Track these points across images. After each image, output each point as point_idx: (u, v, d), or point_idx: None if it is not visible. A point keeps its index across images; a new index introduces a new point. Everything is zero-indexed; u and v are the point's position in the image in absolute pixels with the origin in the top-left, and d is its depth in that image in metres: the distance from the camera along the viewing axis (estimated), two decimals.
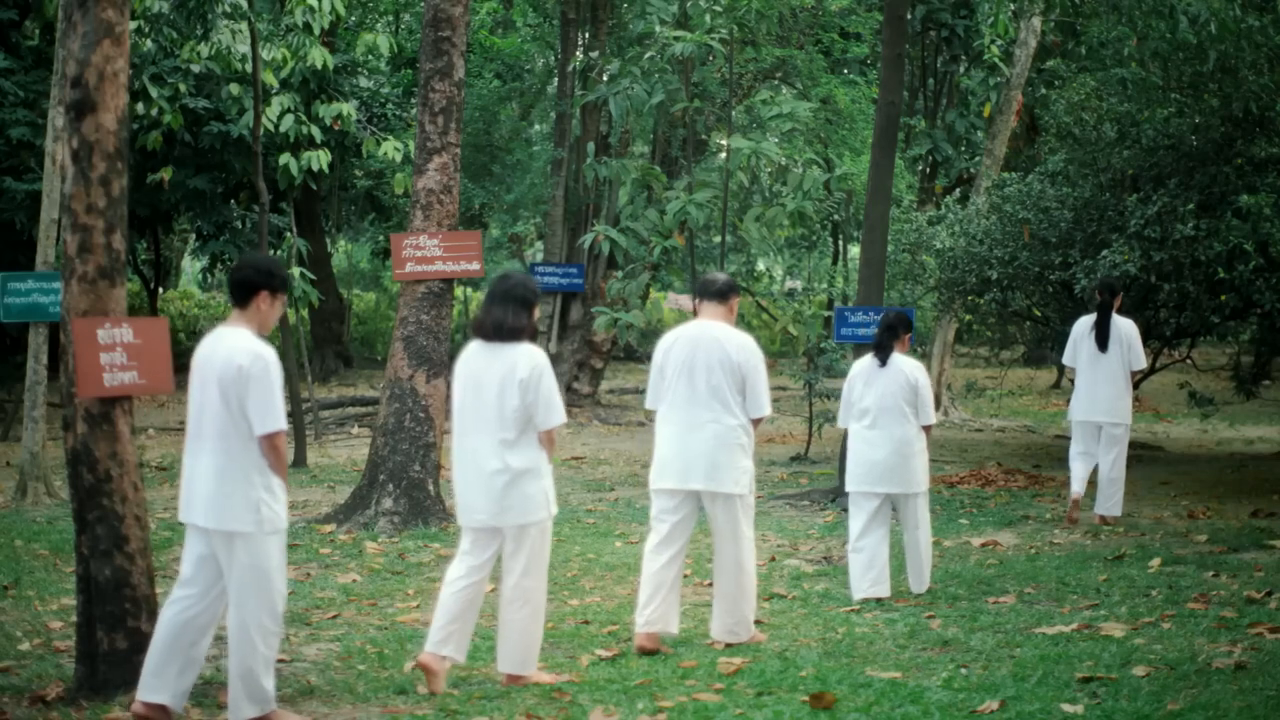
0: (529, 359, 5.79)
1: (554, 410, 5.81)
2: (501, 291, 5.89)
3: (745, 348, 6.56)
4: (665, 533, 6.57)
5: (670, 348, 6.63)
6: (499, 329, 5.83)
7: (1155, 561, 8.42)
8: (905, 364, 7.66)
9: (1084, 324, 10.25)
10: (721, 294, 6.70)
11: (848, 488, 7.85)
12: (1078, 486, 10.05)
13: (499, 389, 5.78)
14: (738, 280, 11.92)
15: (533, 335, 5.92)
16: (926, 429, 7.71)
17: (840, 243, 28.35)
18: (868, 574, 7.58)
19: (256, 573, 5.27)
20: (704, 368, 6.51)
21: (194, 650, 5.37)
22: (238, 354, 5.21)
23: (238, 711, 5.28)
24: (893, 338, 7.69)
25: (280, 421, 5.25)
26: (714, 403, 6.49)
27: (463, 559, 5.95)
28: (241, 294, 5.37)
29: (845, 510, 10.53)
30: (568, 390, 17.68)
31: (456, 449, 5.94)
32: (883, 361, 7.65)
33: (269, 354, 5.25)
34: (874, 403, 7.62)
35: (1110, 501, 10.00)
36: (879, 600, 7.54)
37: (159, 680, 5.28)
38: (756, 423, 6.64)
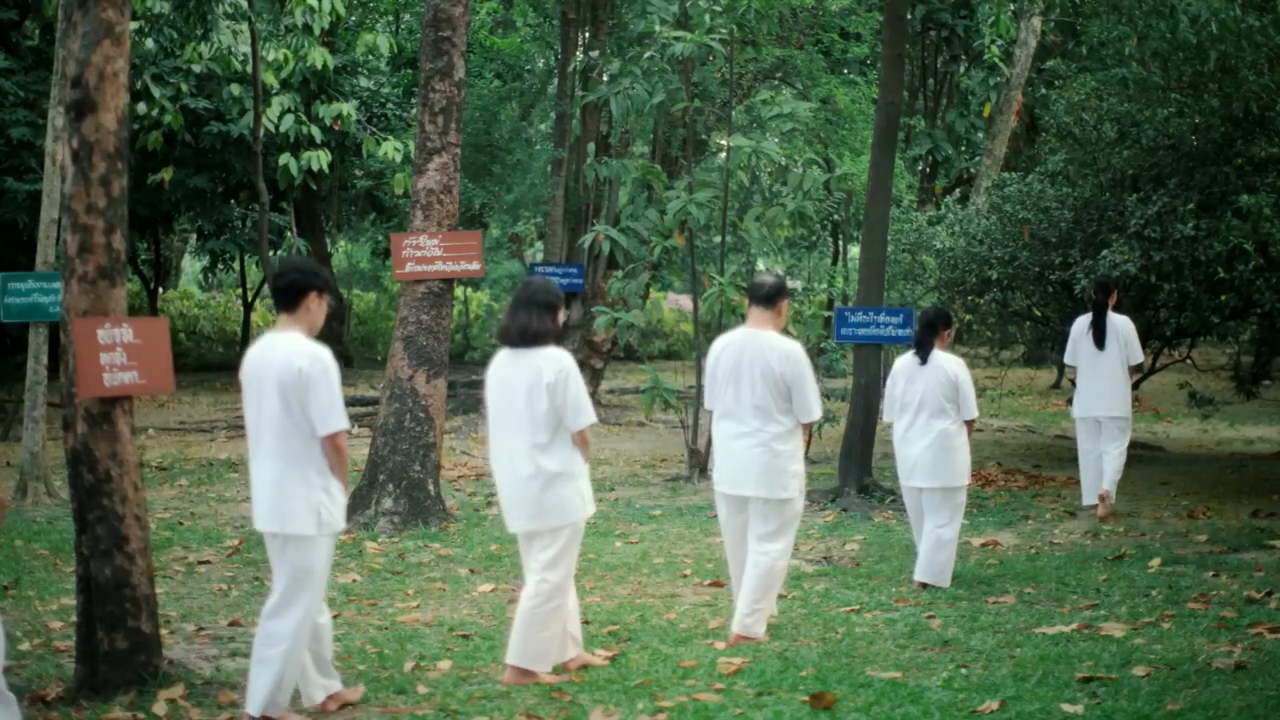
0: (555, 362, 5.85)
1: (582, 411, 5.87)
2: (525, 297, 5.97)
3: (789, 357, 6.58)
4: (736, 536, 6.81)
5: (720, 354, 6.78)
6: (524, 334, 5.90)
7: (1155, 561, 8.43)
8: (946, 360, 7.86)
9: (1081, 324, 10.58)
10: (769, 298, 6.73)
11: (900, 481, 8.15)
12: (1090, 498, 10.35)
13: (528, 393, 5.85)
14: (739, 280, 11.93)
15: (558, 338, 6.00)
16: (969, 423, 7.90)
17: (840, 243, 28.35)
18: None
19: (302, 574, 5.34)
20: (748, 378, 6.61)
21: (320, 647, 5.54)
22: (297, 357, 5.28)
23: (256, 705, 5.30)
24: (932, 335, 7.89)
25: (343, 420, 5.35)
26: (759, 412, 6.60)
27: (530, 573, 6.03)
28: (290, 297, 5.42)
29: (846, 510, 10.58)
30: None
31: (493, 456, 6.04)
32: (924, 359, 7.85)
33: (326, 355, 5.35)
34: (916, 399, 7.85)
35: (1111, 481, 10.28)
36: (882, 605, 7.56)
37: (306, 685, 5.52)
38: (806, 427, 6.79)
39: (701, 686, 5.85)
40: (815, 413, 6.69)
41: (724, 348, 6.79)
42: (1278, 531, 9.41)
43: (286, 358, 5.29)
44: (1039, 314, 14.24)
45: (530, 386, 5.84)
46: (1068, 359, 10.80)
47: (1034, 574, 8.19)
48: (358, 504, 10.04)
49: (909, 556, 8.39)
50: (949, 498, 7.85)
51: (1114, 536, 9.45)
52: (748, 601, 6.62)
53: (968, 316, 15.24)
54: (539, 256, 22.86)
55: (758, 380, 6.58)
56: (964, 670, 6.06)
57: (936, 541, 7.82)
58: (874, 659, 6.30)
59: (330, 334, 23.78)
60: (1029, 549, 9.06)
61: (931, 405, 7.80)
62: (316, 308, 5.46)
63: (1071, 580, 8.00)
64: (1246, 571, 8.13)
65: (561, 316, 6.04)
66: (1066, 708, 5.43)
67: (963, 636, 6.72)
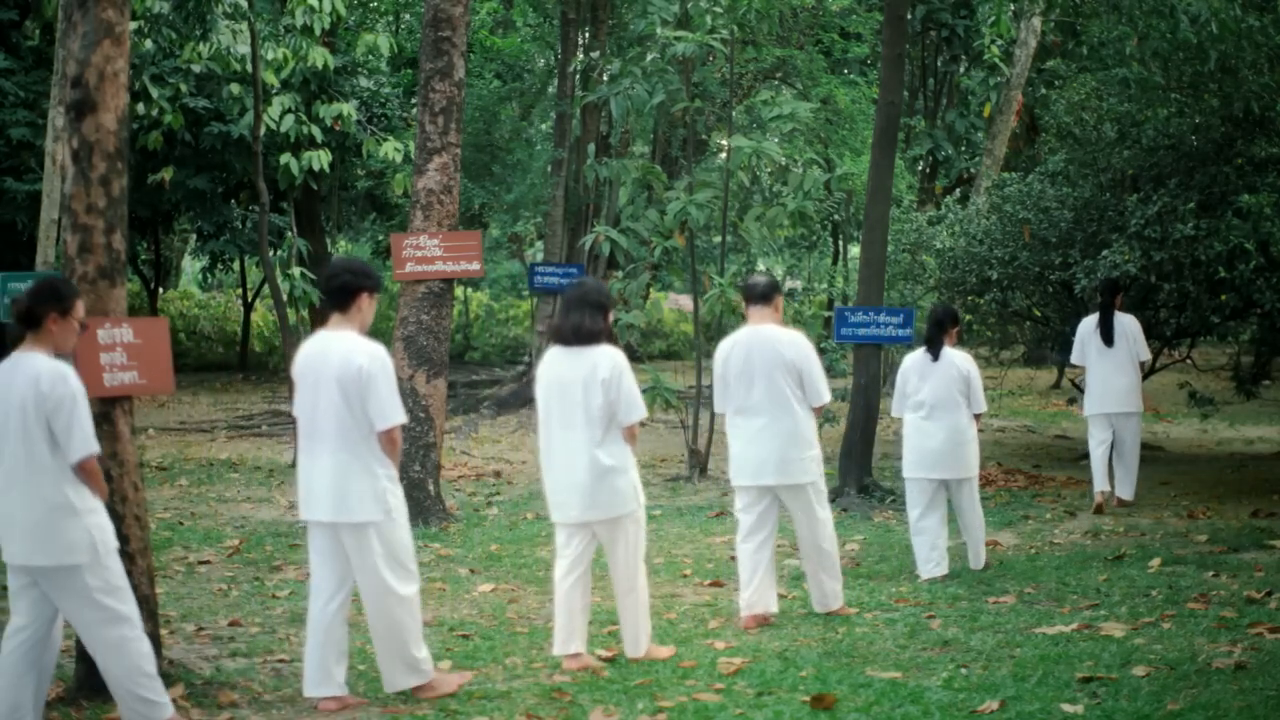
0: (609, 359, 6.11)
1: (635, 406, 6.14)
2: (577, 297, 6.22)
3: (796, 344, 7.00)
4: (751, 524, 7.09)
5: (728, 355, 7.09)
6: (577, 333, 6.15)
7: (1155, 561, 8.42)
8: (956, 357, 8.16)
9: (1089, 324, 10.79)
10: (765, 295, 7.12)
11: (905, 474, 8.30)
12: (1101, 483, 10.49)
13: (583, 389, 6.09)
14: (739, 281, 11.93)
15: (609, 337, 6.24)
16: (978, 417, 8.21)
17: (840, 243, 28.34)
18: (931, 555, 8.10)
19: (392, 558, 5.58)
20: (762, 370, 6.94)
21: (343, 642, 5.70)
22: (355, 355, 5.49)
23: (396, 682, 5.61)
24: (941, 332, 8.18)
25: (401, 414, 5.56)
26: (776, 401, 6.94)
27: (562, 556, 6.33)
28: (342, 297, 5.63)
29: (846, 510, 10.56)
30: None
31: (544, 450, 6.26)
32: (935, 355, 8.14)
33: (383, 352, 5.56)
34: (929, 395, 8.11)
35: (1126, 485, 10.63)
36: (885, 597, 7.56)
37: (324, 675, 5.62)
38: (819, 410, 7.11)
39: (701, 686, 5.85)
40: (825, 396, 7.05)
41: (732, 347, 7.10)
42: (1278, 531, 9.41)
43: (345, 355, 5.49)
44: (1039, 314, 14.23)
45: (586, 383, 6.08)
46: (1075, 358, 10.95)
47: (1034, 574, 8.20)
48: None
49: (909, 556, 8.39)
50: (964, 486, 8.19)
51: (1114, 536, 9.45)
52: (818, 586, 7.14)
53: (968, 316, 15.25)
54: (539, 256, 22.85)
55: (773, 369, 6.91)
56: (964, 670, 6.06)
57: (970, 523, 8.22)
58: (874, 659, 6.30)
59: None
60: (1029, 549, 9.06)
61: (945, 401, 8.07)
62: (368, 307, 5.68)
63: (1071, 580, 8.00)
64: (1246, 571, 8.12)
65: (612, 317, 6.30)
66: (1066, 708, 5.44)
67: (963, 636, 6.72)
